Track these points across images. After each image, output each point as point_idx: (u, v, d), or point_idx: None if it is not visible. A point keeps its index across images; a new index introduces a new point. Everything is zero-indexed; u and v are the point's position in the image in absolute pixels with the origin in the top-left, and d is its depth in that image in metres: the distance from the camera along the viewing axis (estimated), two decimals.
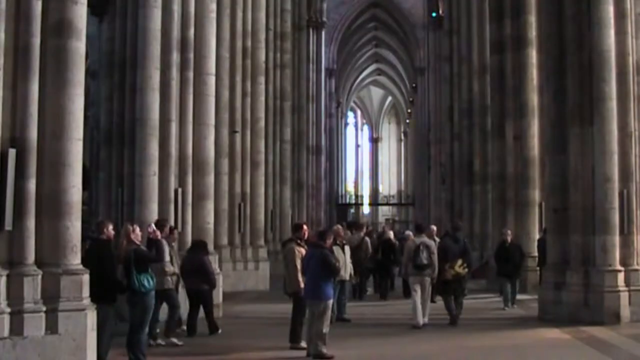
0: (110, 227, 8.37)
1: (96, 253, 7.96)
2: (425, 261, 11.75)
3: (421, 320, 11.68)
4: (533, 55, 17.62)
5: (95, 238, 8.47)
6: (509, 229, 16.02)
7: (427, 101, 39.18)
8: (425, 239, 12.21)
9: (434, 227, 14.17)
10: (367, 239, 16.59)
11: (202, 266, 10.96)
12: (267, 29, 21.68)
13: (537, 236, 16.75)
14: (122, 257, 8.12)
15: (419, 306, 11.75)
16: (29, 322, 6.90)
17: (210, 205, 13.27)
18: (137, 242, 8.35)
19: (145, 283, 8.07)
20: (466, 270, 12.19)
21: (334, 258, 9.70)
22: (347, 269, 12.15)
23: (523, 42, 17.76)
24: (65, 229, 7.29)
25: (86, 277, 7.34)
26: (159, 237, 9.03)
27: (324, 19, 37.66)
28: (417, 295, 11.83)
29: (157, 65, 12.53)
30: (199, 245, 11.41)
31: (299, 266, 9.77)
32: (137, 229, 8.50)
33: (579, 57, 12.09)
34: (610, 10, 11.82)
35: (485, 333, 11.36)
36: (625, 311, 11.49)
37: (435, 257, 11.87)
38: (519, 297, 15.49)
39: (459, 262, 12.01)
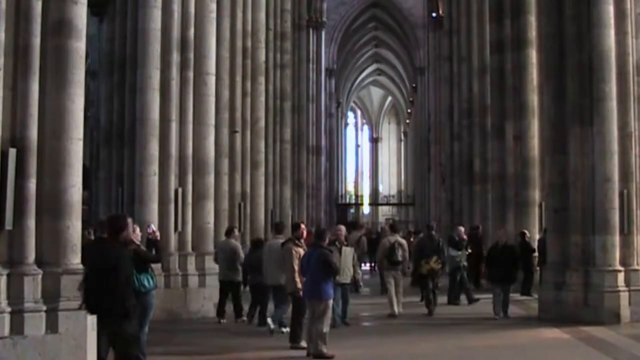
0: None
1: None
2: (400, 258, 13.05)
3: (397, 309, 12.91)
4: (533, 55, 17.60)
5: (99, 237, 8.47)
6: (503, 228, 15.30)
7: (427, 101, 39.18)
8: (398, 238, 13.52)
9: (462, 228, 15.55)
10: (363, 238, 17.28)
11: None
12: (267, 29, 21.67)
13: (537, 236, 16.75)
14: None
15: (394, 297, 12.97)
16: (29, 322, 6.91)
17: (210, 205, 13.28)
18: (137, 242, 8.35)
19: (145, 283, 8.08)
20: (440, 266, 13.62)
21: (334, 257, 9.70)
22: (343, 272, 11.32)
23: (523, 42, 17.75)
24: (66, 228, 7.30)
25: None
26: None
27: (324, 19, 37.68)
28: (392, 287, 13.04)
29: (157, 65, 12.55)
30: (260, 244, 12.27)
31: (296, 266, 9.78)
32: (137, 229, 8.50)
33: (579, 57, 12.08)
34: (610, 10, 11.82)
35: (485, 333, 11.36)
36: (625, 311, 11.48)
37: (407, 255, 13.33)
38: (519, 297, 15.46)
39: (434, 258, 13.40)
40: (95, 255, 6.20)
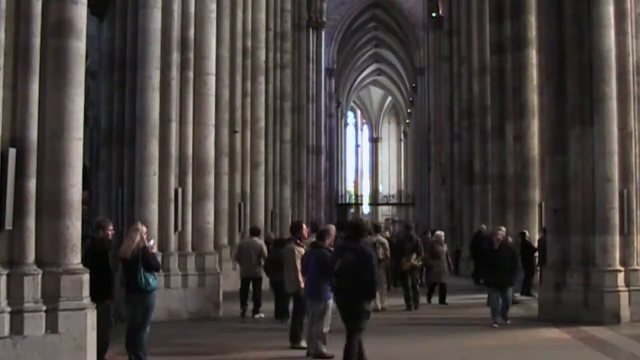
0: (110, 226, 8.41)
1: (93, 252, 8.00)
2: (381, 256, 13.46)
3: (379, 304, 13.26)
4: (533, 55, 17.63)
5: (93, 237, 8.49)
6: (500, 229, 13.65)
7: (427, 101, 39.17)
8: (380, 237, 14.20)
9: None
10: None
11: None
12: (267, 29, 21.69)
13: (537, 236, 16.74)
14: (130, 254, 8.10)
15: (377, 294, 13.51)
16: (29, 322, 6.91)
17: (210, 205, 13.28)
18: (145, 243, 8.34)
19: (151, 281, 8.11)
20: (420, 262, 14.77)
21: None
22: None
23: (523, 43, 17.77)
24: (66, 228, 7.29)
25: (86, 277, 7.35)
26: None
27: (324, 19, 37.66)
28: None
29: (157, 65, 12.54)
30: (283, 244, 12.38)
31: (298, 266, 9.78)
32: (145, 229, 8.51)
33: (579, 57, 12.08)
34: (610, 10, 11.83)
35: (485, 333, 11.34)
36: (625, 311, 11.49)
37: (388, 253, 13.98)
38: (519, 297, 15.45)
39: (414, 256, 14.50)
40: (348, 250, 7.89)
